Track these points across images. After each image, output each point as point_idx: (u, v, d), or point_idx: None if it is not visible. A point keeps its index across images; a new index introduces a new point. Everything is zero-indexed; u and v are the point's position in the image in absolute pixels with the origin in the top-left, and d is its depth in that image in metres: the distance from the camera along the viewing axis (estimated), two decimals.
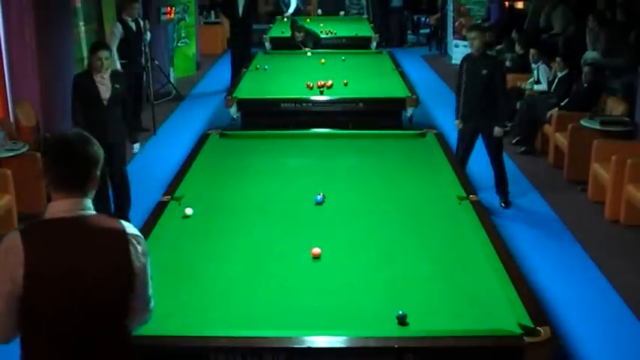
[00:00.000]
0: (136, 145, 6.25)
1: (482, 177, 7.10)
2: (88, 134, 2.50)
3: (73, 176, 2.42)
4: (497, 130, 6.57)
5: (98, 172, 2.47)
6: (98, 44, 5.98)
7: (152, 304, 2.58)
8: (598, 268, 5.57)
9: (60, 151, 2.43)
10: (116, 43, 8.92)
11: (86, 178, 2.43)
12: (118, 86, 5.93)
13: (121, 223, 2.49)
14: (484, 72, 6.51)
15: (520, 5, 14.06)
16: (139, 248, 2.45)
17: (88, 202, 2.45)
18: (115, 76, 6.00)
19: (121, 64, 8.97)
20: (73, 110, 5.87)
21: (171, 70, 12.10)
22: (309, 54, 10.45)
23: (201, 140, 5.94)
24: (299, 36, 11.08)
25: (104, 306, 2.40)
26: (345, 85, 7.98)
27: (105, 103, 5.85)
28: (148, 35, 9.35)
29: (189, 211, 4.24)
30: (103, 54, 5.78)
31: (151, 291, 2.54)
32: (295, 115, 7.25)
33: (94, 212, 2.46)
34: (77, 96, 5.83)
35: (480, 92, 6.55)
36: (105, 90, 5.84)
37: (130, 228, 2.48)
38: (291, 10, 15.02)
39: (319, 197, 4.49)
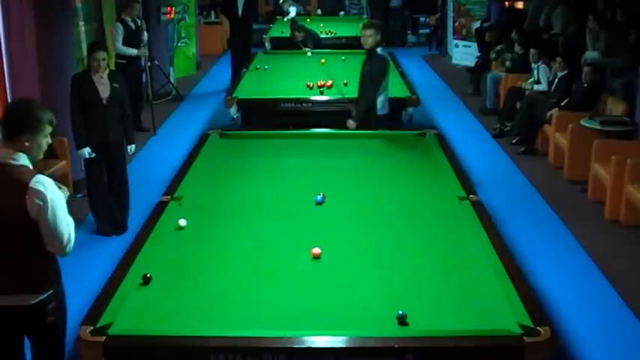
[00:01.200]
0: (132, 147, 6.20)
1: (482, 176, 7.10)
2: (38, 102, 3.06)
3: (7, 131, 3.06)
4: (349, 123, 6.55)
5: (35, 136, 3.06)
6: (95, 45, 5.95)
7: (68, 248, 3.14)
8: (598, 268, 5.57)
9: (5, 110, 3.17)
10: (120, 39, 8.95)
11: (17, 135, 3.04)
12: (116, 85, 5.92)
13: (33, 177, 3.03)
14: (365, 68, 6.65)
15: (520, 5, 14.04)
16: (37, 202, 3.00)
17: (20, 156, 3.06)
18: (113, 75, 6.00)
19: (121, 64, 8.99)
20: (72, 110, 5.85)
21: (171, 70, 12.09)
22: (309, 54, 10.45)
23: (201, 140, 5.94)
24: (299, 36, 11.07)
25: (8, 237, 3.05)
26: (345, 85, 7.98)
27: (105, 102, 5.84)
28: (145, 35, 9.35)
29: (182, 222, 4.13)
30: (100, 55, 5.76)
31: (64, 237, 3.09)
32: (295, 115, 7.24)
33: (23, 164, 3.06)
34: (76, 96, 5.81)
35: (360, 88, 6.68)
36: (104, 89, 5.84)
37: (37, 184, 3.01)
38: (291, 15, 15.05)
39: (319, 197, 4.49)
